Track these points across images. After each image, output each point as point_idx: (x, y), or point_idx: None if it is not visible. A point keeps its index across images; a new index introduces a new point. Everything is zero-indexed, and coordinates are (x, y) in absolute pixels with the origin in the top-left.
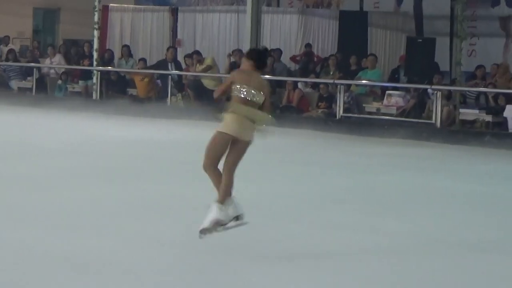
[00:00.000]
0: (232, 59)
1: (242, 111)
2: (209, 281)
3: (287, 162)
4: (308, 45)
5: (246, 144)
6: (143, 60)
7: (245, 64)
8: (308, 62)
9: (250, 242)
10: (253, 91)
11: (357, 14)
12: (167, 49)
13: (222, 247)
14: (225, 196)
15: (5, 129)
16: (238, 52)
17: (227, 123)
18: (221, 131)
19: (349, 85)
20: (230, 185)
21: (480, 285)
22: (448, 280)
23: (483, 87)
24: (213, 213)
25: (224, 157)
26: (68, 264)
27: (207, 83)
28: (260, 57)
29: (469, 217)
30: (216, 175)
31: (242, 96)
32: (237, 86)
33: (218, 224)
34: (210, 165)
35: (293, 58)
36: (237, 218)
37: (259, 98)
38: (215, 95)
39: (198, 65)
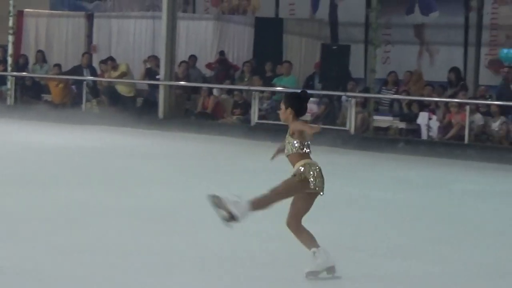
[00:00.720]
0: (148, 65)
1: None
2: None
3: (202, 169)
4: (221, 53)
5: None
6: (58, 65)
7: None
8: (222, 70)
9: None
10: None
11: (272, 20)
12: (82, 55)
13: None
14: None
15: None
16: (153, 58)
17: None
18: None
19: (266, 92)
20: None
21: None
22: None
23: (397, 94)
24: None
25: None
26: None
27: (121, 89)
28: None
29: (379, 224)
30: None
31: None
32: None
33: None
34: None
35: (208, 66)
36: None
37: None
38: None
39: (112, 71)
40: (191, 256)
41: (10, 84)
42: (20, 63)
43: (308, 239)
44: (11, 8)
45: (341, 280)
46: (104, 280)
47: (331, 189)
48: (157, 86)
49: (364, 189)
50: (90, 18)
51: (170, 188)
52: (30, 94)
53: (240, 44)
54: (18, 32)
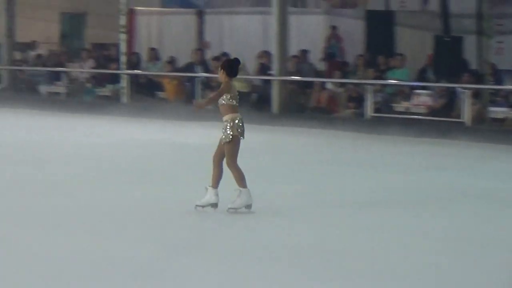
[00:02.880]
0: (260, 61)
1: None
2: None
3: (317, 162)
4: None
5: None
6: (171, 62)
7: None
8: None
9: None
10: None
11: (384, 13)
12: (194, 52)
13: None
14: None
15: (34, 133)
16: (265, 53)
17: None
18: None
19: (378, 85)
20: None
21: None
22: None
23: None
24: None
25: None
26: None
27: (236, 85)
28: (234, 68)
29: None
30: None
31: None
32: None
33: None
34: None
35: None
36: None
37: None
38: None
39: None
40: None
41: (124, 82)
42: (133, 61)
43: (240, 178)
44: (122, 7)
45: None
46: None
47: (449, 182)
48: (270, 82)
49: (482, 180)
50: (201, 14)
51: (288, 182)
52: (144, 92)
53: (351, 38)
54: (130, 30)
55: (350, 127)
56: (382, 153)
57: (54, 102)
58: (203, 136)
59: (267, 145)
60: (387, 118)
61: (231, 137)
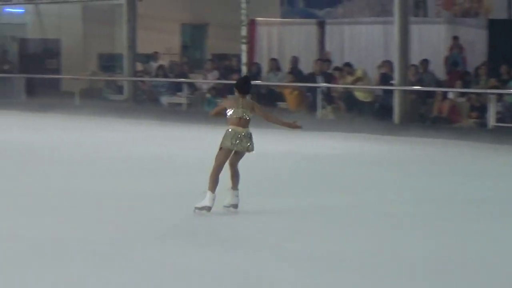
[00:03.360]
0: (382, 71)
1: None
2: None
3: (442, 172)
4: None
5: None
6: (292, 73)
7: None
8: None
9: None
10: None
11: (506, 22)
12: (315, 62)
13: None
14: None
15: (157, 144)
16: (387, 63)
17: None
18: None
19: (500, 94)
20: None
21: None
22: None
23: None
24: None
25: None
26: None
27: (359, 94)
28: (243, 86)
29: None
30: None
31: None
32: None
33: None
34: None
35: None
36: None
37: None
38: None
39: (348, 76)
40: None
41: None
42: (254, 72)
43: (214, 184)
44: (243, 18)
45: None
46: None
47: None
48: (391, 91)
49: None
50: (321, 25)
51: (410, 194)
52: (265, 102)
53: (473, 47)
54: (250, 41)
55: (472, 137)
56: (506, 163)
57: (175, 113)
58: (326, 146)
59: (389, 155)
60: (510, 128)
61: (220, 146)
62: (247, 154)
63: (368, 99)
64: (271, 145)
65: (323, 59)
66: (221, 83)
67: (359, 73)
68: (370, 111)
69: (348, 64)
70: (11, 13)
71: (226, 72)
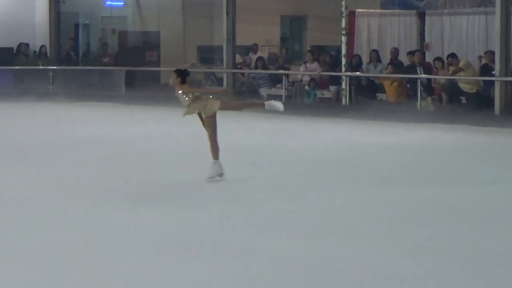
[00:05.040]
0: (484, 61)
1: None
2: None
3: None
4: None
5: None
6: (392, 64)
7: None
8: None
9: None
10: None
11: None
12: (414, 53)
13: None
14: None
15: (254, 137)
16: (490, 53)
17: None
18: None
19: None
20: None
21: None
22: None
23: None
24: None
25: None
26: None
27: (463, 86)
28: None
29: None
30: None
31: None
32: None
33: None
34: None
35: None
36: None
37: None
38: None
39: (450, 68)
40: None
41: (344, 84)
42: (354, 63)
43: (216, 151)
44: (343, 9)
45: None
46: None
47: None
48: (492, 82)
49: None
50: (421, 16)
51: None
52: (366, 94)
53: None
54: (350, 32)
55: None
56: None
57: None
58: (427, 138)
59: (491, 146)
60: None
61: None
62: None
63: (473, 90)
64: (375, 137)
65: (423, 50)
66: (321, 75)
67: (461, 64)
68: (474, 102)
69: (452, 55)
70: (111, 6)
71: (325, 64)
